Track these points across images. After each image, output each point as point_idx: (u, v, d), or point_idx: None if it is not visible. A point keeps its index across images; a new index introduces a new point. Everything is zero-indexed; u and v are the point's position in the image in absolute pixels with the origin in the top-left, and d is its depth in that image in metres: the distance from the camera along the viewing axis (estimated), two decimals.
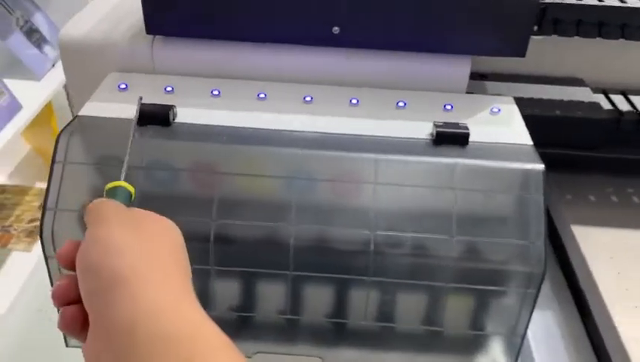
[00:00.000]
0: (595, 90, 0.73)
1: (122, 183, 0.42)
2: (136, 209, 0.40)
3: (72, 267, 0.37)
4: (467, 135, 0.54)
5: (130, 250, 0.35)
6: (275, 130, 0.56)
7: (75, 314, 0.35)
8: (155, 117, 0.55)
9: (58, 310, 0.37)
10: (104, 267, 0.34)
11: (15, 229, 1.76)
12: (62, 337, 0.53)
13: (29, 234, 1.74)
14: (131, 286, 0.33)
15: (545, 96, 0.70)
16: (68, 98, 1.74)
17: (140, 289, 0.33)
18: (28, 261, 1.64)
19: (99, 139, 0.55)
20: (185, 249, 0.38)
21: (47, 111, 1.81)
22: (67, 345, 0.57)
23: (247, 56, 0.62)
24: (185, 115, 0.57)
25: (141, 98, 0.52)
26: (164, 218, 0.39)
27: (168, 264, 0.36)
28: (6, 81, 1.61)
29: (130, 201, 0.42)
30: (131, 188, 0.42)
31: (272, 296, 0.54)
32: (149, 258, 0.35)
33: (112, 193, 0.42)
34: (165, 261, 0.36)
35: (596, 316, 0.55)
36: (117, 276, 0.33)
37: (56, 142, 0.53)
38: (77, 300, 0.35)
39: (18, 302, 1.55)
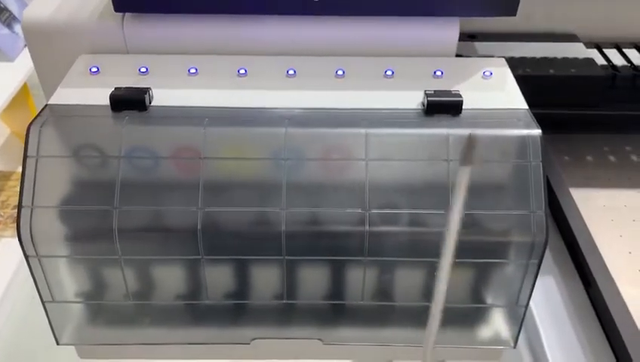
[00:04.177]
0: (588, 45, 0.70)
1: None
2: None
3: None
4: (460, 103, 0.51)
5: None
6: (258, 108, 0.53)
7: None
8: (131, 102, 0.51)
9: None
10: None
11: (1, 216, 1.73)
12: None
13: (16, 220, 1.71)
14: None
15: (537, 55, 0.67)
16: None
17: None
18: (17, 247, 1.62)
19: (72, 128, 0.52)
20: None
21: (23, 93, 1.76)
22: (58, 343, 0.55)
23: (224, 30, 0.59)
24: (162, 96, 0.54)
25: None
26: None
27: None
28: None
29: None
30: None
31: (266, 281, 0.52)
32: None
33: None
34: None
35: (599, 282, 0.54)
36: None
37: (27, 134, 0.50)
38: None
39: (10, 289, 1.54)
